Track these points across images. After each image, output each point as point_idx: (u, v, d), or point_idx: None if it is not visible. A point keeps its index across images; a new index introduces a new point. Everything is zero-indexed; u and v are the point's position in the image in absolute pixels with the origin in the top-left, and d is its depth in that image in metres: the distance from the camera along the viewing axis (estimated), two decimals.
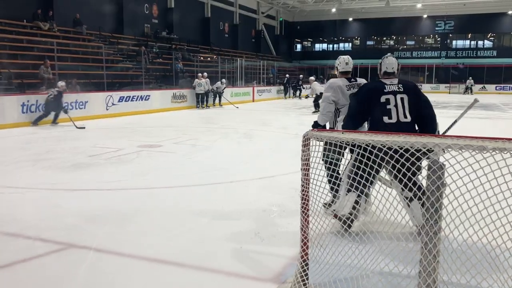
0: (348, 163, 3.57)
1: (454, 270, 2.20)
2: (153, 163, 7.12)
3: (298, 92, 28.12)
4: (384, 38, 44.46)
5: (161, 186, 5.56)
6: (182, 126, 12.43)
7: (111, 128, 11.78)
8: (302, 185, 2.68)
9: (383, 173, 3.48)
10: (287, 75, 29.40)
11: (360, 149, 2.70)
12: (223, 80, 20.98)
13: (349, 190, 3.41)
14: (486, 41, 41.29)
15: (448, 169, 2.11)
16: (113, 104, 14.92)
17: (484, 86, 36.88)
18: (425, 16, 41.19)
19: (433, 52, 42.23)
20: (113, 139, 9.67)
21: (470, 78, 35.45)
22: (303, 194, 2.67)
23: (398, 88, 3.55)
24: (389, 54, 3.95)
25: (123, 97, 15.48)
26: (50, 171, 6.35)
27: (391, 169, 2.93)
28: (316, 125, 4.40)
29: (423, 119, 3.61)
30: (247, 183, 5.77)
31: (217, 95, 20.11)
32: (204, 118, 15.00)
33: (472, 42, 41.65)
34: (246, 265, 3.25)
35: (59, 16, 18.52)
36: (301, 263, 2.70)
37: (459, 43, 41.94)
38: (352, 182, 3.17)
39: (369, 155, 2.50)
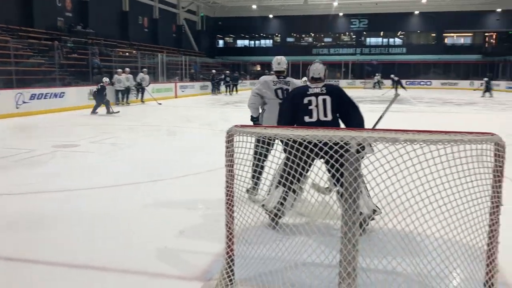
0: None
1: (372, 257, 2.31)
2: (70, 164, 6.76)
3: (229, 88, 28.10)
4: (303, 35, 45.74)
5: (79, 188, 5.28)
6: (100, 124, 11.91)
7: (22, 128, 10.99)
8: (227, 181, 2.67)
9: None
10: (214, 71, 29.30)
11: (287, 146, 2.79)
12: (145, 70, 20.35)
13: (277, 186, 3.55)
14: (396, 39, 43.95)
15: (363, 161, 2.20)
16: (24, 102, 13.92)
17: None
18: (341, 14, 42.94)
19: (349, 49, 44.17)
20: (24, 140, 9.03)
21: (377, 74, 37.41)
22: (228, 190, 2.67)
23: (321, 90, 3.74)
24: (316, 60, 4.15)
25: (35, 94, 14.50)
26: None
27: (325, 164, 2.97)
28: (252, 118, 4.88)
29: (348, 118, 3.79)
30: (171, 181, 5.67)
31: (140, 91, 19.48)
32: (124, 115, 14.49)
33: (384, 40, 44.14)
34: (171, 264, 3.19)
35: None
36: (227, 259, 2.70)
37: (373, 40, 44.24)
38: (280, 179, 3.28)
39: (295, 152, 2.55)
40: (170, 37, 36.15)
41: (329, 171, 2.95)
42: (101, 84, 14.94)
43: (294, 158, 2.58)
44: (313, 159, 2.85)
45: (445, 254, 2.36)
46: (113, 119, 13.45)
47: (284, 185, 3.34)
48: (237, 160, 2.65)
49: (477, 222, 2.27)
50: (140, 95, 19.67)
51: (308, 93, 3.74)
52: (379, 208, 3.14)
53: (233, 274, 2.69)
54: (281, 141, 3.09)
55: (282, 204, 3.48)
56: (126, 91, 18.57)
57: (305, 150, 2.48)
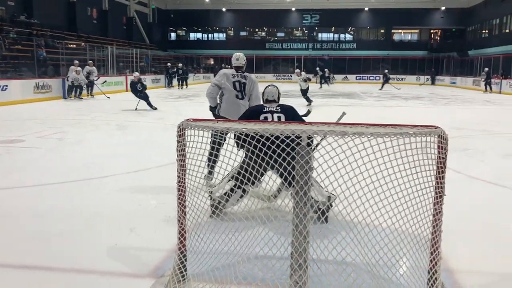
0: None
1: (322, 248, 2.35)
2: (14, 160, 6.45)
3: (184, 82, 27.66)
4: (257, 30, 45.84)
5: (24, 185, 5.05)
6: (47, 119, 11.44)
7: None
8: (178, 176, 2.64)
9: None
10: (169, 64, 28.82)
11: (244, 142, 2.81)
12: (90, 62, 19.59)
13: (230, 180, 3.64)
14: (347, 35, 44.93)
15: (314, 154, 2.24)
16: None
17: (346, 76, 40.11)
18: (293, 9, 43.36)
19: (301, 44, 44.71)
20: None
21: (326, 69, 38.13)
22: (179, 185, 2.64)
23: (276, 109, 4.08)
24: (270, 84, 4.51)
25: None
26: None
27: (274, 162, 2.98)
28: (211, 108, 5.23)
29: None
30: (122, 177, 5.53)
31: (89, 84, 18.82)
32: (72, 110, 13.99)
33: (335, 35, 45.00)
34: (121, 262, 3.12)
35: None
36: (179, 255, 2.67)
37: (324, 36, 45.01)
38: (235, 174, 3.34)
39: (253, 151, 2.56)
40: (120, 29, 35.18)
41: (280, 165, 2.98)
42: (132, 80, 14.51)
43: (251, 155, 2.58)
44: (268, 163, 2.83)
45: (392, 244, 2.44)
46: (62, 113, 12.96)
47: (237, 180, 3.34)
48: (188, 154, 2.62)
49: (422, 212, 2.36)
50: (89, 88, 19.04)
51: (264, 110, 4.05)
52: (333, 194, 3.23)
53: (185, 270, 2.67)
54: (237, 138, 3.31)
55: (228, 197, 3.67)
56: (79, 84, 17.95)
57: (264, 155, 2.49)
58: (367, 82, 39.62)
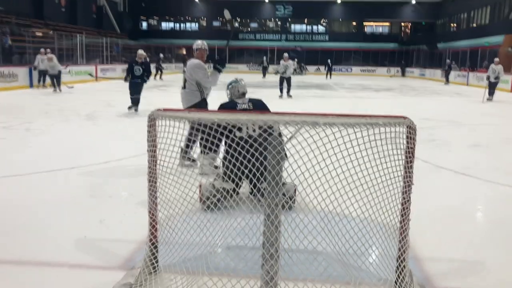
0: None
1: (293, 238, 2.37)
2: None
3: (159, 72, 26.92)
4: (230, 19, 45.51)
5: None
6: (13, 109, 11.09)
7: None
8: (149, 167, 2.60)
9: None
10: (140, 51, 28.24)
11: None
12: (48, 50, 17.40)
13: (229, 176, 3.71)
14: (320, 26, 45.16)
15: (286, 144, 2.24)
16: None
17: (318, 68, 40.33)
18: (266, 0, 43.22)
19: (274, 35, 44.70)
20: None
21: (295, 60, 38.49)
22: (150, 176, 2.60)
23: (249, 106, 4.25)
24: (240, 78, 4.69)
25: None
26: None
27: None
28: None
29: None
30: (91, 168, 5.42)
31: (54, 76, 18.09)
32: (40, 100, 13.60)
33: (308, 27, 45.17)
34: (91, 255, 3.06)
35: None
36: (150, 247, 2.64)
37: (297, 27, 45.12)
38: (227, 171, 3.55)
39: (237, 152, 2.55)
40: (90, 18, 34.31)
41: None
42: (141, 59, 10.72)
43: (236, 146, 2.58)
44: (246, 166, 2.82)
45: (362, 233, 2.47)
46: (29, 103, 12.58)
47: (233, 180, 3.52)
48: (159, 145, 2.58)
49: (391, 201, 2.40)
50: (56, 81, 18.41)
51: (238, 108, 4.16)
52: (295, 184, 3.52)
53: (156, 261, 2.64)
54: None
55: (228, 192, 3.48)
56: (58, 75, 17.38)
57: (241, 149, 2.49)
58: (339, 73, 39.98)
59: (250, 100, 4.38)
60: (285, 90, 15.72)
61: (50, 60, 16.30)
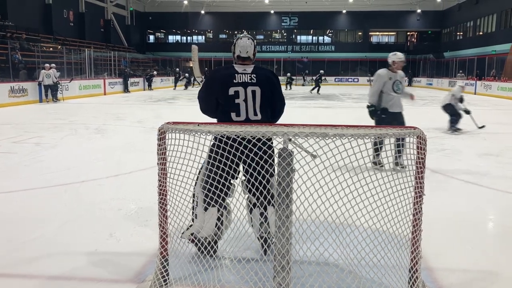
0: (199, 173, 2.96)
1: (305, 250, 2.36)
2: None
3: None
4: (236, 32, 45.81)
5: (0, 192, 4.94)
6: (23, 123, 11.21)
7: None
8: (159, 180, 2.61)
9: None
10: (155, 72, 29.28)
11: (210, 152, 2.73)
12: (53, 65, 17.96)
13: (207, 205, 2.93)
14: (325, 37, 45.31)
15: (296, 156, 2.24)
16: None
17: (325, 78, 40.38)
18: (272, 12, 43.52)
19: (280, 46, 44.92)
20: None
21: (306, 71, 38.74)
22: (161, 189, 2.61)
23: (251, 79, 3.01)
24: (244, 34, 3.37)
25: None
26: None
27: (246, 167, 2.84)
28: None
29: (272, 113, 3.20)
30: (101, 182, 5.45)
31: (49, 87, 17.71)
32: (49, 114, 13.74)
33: (314, 38, 45.33)
34: (101, 268, 3.07)
35: None
36: (161, 259, 2.64)
37: (303, 38, 45.30)
38: (208, 193, 2.82)
39: (219, 156, 2.53)
40: (98, 32, 34.74)
41: (247, 174, 2.88)
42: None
43: (219, 164, 2.55)
44: (237, 164, 2.79)
45: (373, 244, 2.46)
46: (39, 117, 12.71)
47: (216, 202, 2.84)
48: (169, 158, 2.60)
49: (402, 211, 2.38)
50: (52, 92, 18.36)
51: (235, 82, 2.99)
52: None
53: (167, 274, 2.64)
54: None
55: (218, 226, 2.94)
56: (55, 86, 17.60)
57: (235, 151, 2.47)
58: (346, 84, 40.00)
59: (255, 70, 3.07)
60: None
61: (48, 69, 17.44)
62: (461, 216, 4.23)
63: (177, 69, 30.84)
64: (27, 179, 5.51)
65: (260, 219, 2.94)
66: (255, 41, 3.23)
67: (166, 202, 2.62)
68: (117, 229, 3.76)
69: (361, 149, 2.25)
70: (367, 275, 2.56)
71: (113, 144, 8.47)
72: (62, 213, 4.21)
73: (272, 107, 3.15)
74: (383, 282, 2.56)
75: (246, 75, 3.02)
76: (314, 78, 29.40)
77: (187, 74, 31.42)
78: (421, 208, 2.36)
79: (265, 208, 2.90)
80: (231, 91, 2.97)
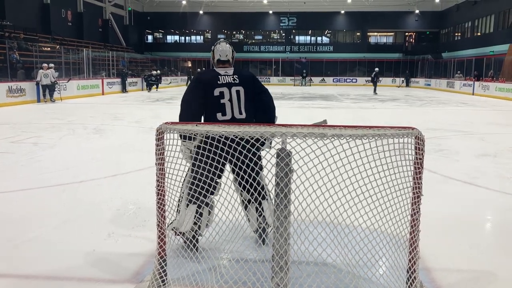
0: (188, 171, 3.06)
1: (303, 250, 2.36)
2: None
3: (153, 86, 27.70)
4: (234, 32, 45.84)
5: None
6: (21, 123, 11.19)
7: None
8: (157, 180, 2.61)
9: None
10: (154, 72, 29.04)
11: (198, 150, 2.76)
12: (51, 65, 18.17)
13: (189, 202, 2.99)
14: (324, 38, 45.33)
15: (294, 156, 2.24)
16: None
17: (323, 79, 40.48)
18: (270, 12, 43.53)
19: (278, 46, 44.94)
20: None
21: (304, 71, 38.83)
22: (159, 189, 2.61)
23: (234, 79, 3.17)
24: (221, 39, 3.60)
25: None
26: None
27: (234, 167, 2.96)
28: None
29: (261, 109, 3.28)
30: (99, 182, 5.44)
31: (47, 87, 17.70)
32: (47, 113, 13.72)
33: (312, 38, 45.36)
34: (100, 268, 3.06)
35: None
36: (159, 260, 2.64)
37: (301, 38, 45.32)
38: (189, 191, 2.89)
39: (205, 156, 2.55)
40: (96, 32, 34.68)
41: (238, 174, 2.98)
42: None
43: (205, 165, 2.57)
44: (223, 164, 2.81)
45: (372, 244, 2.46)
46: (37, 117, 12.69)
47: (197, 199, 2.91)
48: (167, 158, 2.60)
49: (400, 212, 2.39)
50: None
51: (219, 83, 3.12)
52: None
53: (165, 275, 2.64)
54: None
55: (196, 223, 3.05)
56: (53, 86, 17.58)
57: (215, 155, 2.49)
58: (344, 84, 40.04)
59: (236, 71, 3.25)
60: None
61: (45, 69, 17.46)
62: (459, 216, 4.24)
63: (154, 71, 29.51)
64: (25, 179, 5.50)
65: (255, 214, 3.06)
66: (232, 46, 3.42)
67: (164, 202, 2.62)
68: (115, 229, 3.75)
69: (359, 149, 2.25)
70: (365, 275, 2.57)
71: (111, 144, 8.46)
72: (60, 213, 4.20)
73: (257, 105, 3.26)
74: (381, 283, 2.56)
75: (228, 76, 3.19)
76: (371, 77, 27.75)
77: (154, 72, 29.09)
78: (419, 208, 2.36)
79: (260, 204, 3.05)
80: (216, 92, 3.11)
